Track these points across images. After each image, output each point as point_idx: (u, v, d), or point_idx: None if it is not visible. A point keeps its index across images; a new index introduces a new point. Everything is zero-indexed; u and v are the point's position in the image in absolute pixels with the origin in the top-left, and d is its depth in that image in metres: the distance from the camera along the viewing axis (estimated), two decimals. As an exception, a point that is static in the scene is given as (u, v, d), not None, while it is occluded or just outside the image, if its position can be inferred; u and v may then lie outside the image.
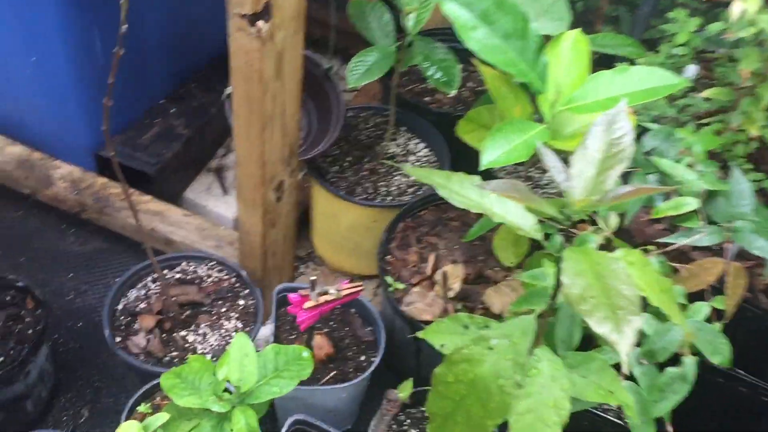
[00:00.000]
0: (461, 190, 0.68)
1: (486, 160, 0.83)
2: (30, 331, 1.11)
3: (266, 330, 1.22)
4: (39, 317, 1.12)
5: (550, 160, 0.62)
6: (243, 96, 0.97)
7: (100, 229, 1.40)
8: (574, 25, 1.40)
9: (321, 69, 1.25)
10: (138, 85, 1.37)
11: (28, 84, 1.29)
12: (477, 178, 0.69)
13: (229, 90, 1.19)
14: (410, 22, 1.15)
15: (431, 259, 1.21)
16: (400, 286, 1.17)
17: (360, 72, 1.11)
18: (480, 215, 1.24)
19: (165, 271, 1.18)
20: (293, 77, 1.02)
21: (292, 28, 0.95)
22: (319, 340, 1.12)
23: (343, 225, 1.34)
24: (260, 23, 0.88)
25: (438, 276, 1.18)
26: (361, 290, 1.03)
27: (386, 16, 1.21)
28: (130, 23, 1.30)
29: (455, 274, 1.19)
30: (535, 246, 1.04)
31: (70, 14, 1.16)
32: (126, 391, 1.22)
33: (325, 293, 1.00)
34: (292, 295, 1.02)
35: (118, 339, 1.09)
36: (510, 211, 0.65)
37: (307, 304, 1.01)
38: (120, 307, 1.13)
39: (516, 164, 1.17)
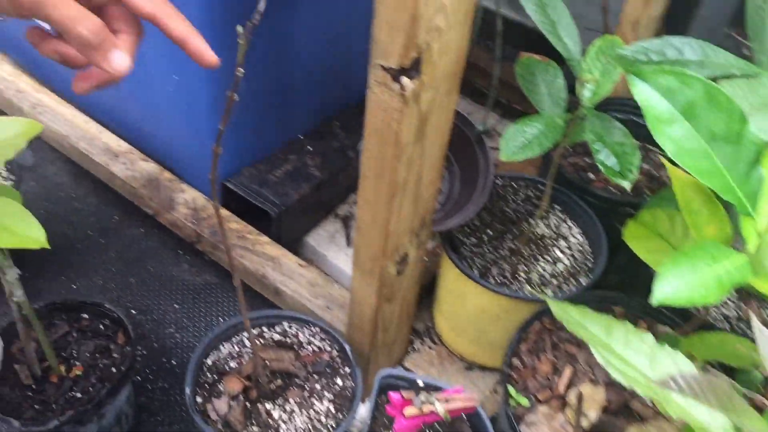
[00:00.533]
0: (625, 353, 0.49)
1: (661, 294, 0.63)
2: (114, 370, 1.03)
3: (363, 410, 1.07)
4: (126, 355, 1.04)
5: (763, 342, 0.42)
6: (374, 157, 0.83)
7: (215, 261, 1.32)
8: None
9: (474, 130, 1.09)
10: (278, 118, 1.28)
11: (168, 102, 1.23)
12: (649, 338, 0.50)
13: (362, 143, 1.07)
14: (586, 92, 0.97)
15: (567, 373, 1.01)
16: (524, 401, 0.98)
17: (517, 145, 0.95)
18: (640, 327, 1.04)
19: (263, 329, 1.06)
20: (436, 142, 0.87)
21: (444, 88, 0.80)
22: (418, 447, 0.96)
23: (470, 307, 1.17)
24: (405, 80, 0.73)
25: (572, 396, 0.98)
26: (473, 407, 0.86)
27: (559, 81, 1.03)
28: (281, 54, 1.21)
29: (594, 399, 0.98)
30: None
31: (215, 40, 1.08)
32: (203, 449, 1.11)
33: (431, 404, 0.83)
34: (393, 395, 0.86)
35: (199, 399, 0.97)
36: (697, 409, 0.45)
37: (408, 411, 0.85)
38: (209, 362, 1.02)
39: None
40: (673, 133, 0.66)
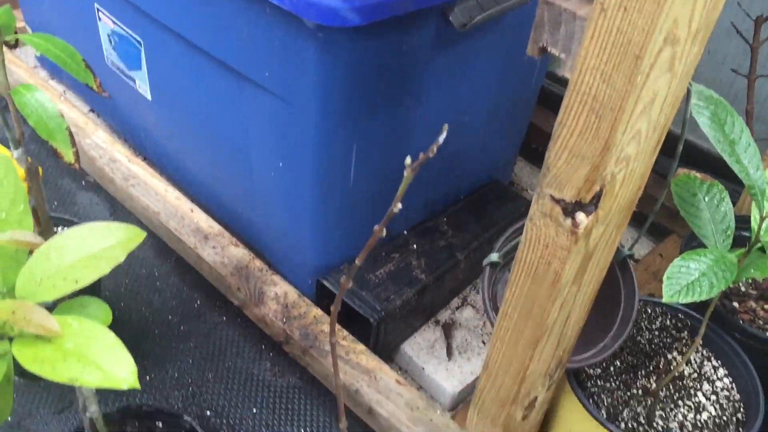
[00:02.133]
0: None
1: None
2: (185, 495, 0.90)
3: None
4: (201, 478, 0.91)
5: None
6: (523, 295, 0.70)
7: (300, 366, 1.19)
8: None
9: (619, 254, 0.94)
10: (385, 211, 1.16)
11: (267, 187, 1.13)
12: None
13: (492, 257, 0.93)
14: (765, 226, 0.82)
15: None
16: None
17: (681, 284, 0.79)
18: None
19: (358, 465, 0.92)
20: (594, 281, 0.73)
21: (615, 222, 0.66)
22: None
23: (593, 454, 1.00)
24: (581, 216, 0.60)
25: None
26: None
27: (725, 205, 0.89)
28: (390, 147, 1.11)
29: None
30: None
31: (328, 130, 0.98)
32: None
33: None
34: None
35: None
36: None
37: None
38: (294, 498, 0.88)
39: None
40: None
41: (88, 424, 0.82)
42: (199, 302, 1.31)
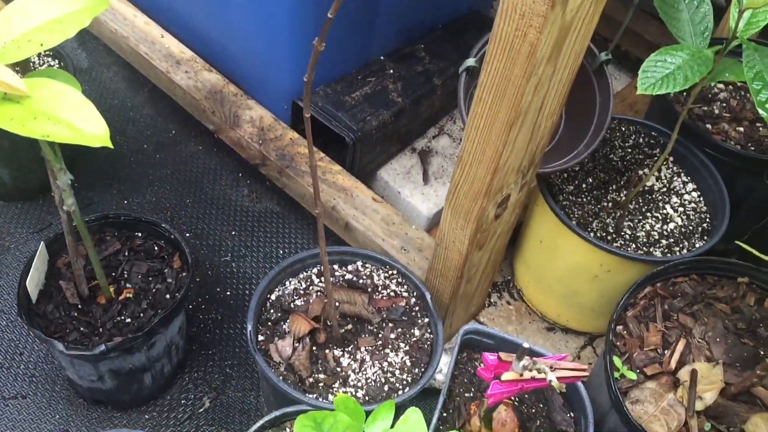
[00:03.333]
0: None
1: None
2: (167, 296, 0.92)
3: (442, 368, 0.97)
4: (182, 282, 0.93)
5: None
6: (496, 74, 0.69)
7: (278, 188, 1.20)
8: None
9: (596, 59, 0.94)
10: (360, 34, 1.14)
11: (243, 7, 1.09)
12: None
13: (469, 62, 0.92)
14: (742, 21, 0.81)
15: (679, 347, 0.88)
16: (631, 374, 0.85)
17: (657, 76, 0.79)
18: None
19: (334, 267, 0.94)
20: (570, 64, 0.72)
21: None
22: (504, 415, 0.84)
23: (563, 263, 1.03)
24: (558, -24, 0.59)
25: (684, 374, 0.86)
26: (585, 377, 0.73)
27: (705, 7, 0.88)
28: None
29: (710, 379, 0.85)
30: None
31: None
32: (257, 389, 1.02)
33: (538, 371, 0.71)
34: (488, 357, 0.74)
35: (261, 337, 0.87)
36: None
37: (507, 376, 0.73)
38: (273, 297, 0.91)
39: None
40: None
41: (65, 220, 0.82)
42: (174, 132, 1.30)
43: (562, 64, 0.71)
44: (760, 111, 0.77)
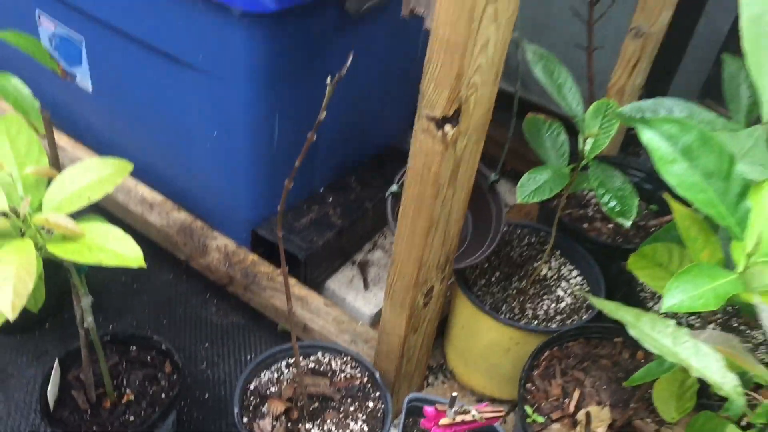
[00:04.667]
0: (653, 333, 0.62)
1: (669, 303, 0.76)
2: (163, 396, 1.11)
3: (394, 430, 1.17)
4: (174, 383, 1.13)
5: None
6: (414, 196, 0.96)
7: (241, 305, 1.42)
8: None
9: (487, 180, 1.23)
10: (303, 173, 1.41)
11: (204, 156, 1.35)
12: (671, 323, 0.63)
13: (393, 188, 1.20)
14: (588, 146, 1.12)
15: (575, 395, 1.12)
16: (539, 419, 1.08)
17: (531, 189, 1.08)
18: (638, 357, 1.16)
19: (300, 358, 1.16)
20: (465, 184, 1.00)
21: (475, 136, 0.94)
22: (446, 462, 1.05)
23: (482, 342, 1.28)
24: (447, 127, 0.87)
25: (581, 416, 1.09)
26: (501, 416, 0.96)
27: (562, 136, 1.18)
28: (305, 112, 1.35)
29: (600, 418, 1.09)
30: (702, 404, 0.94)
31: (255, 100, 1.22)
32: (238, 474, 1.19)
33: (465, 413, 0.94)
34: (428, 409, 0.96)
35: (245, 419, 1.06)
36: (710, 366, 0.57)
37: (443, 421, 0.95)
38: (252, 386, 1.11)
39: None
40: (675, 171, 0.80)
41: (83, 336, 1.02)
42: (148, 264, 1.51)
43: (460, 185, 0.99)
44: (605, 209, 1.07)
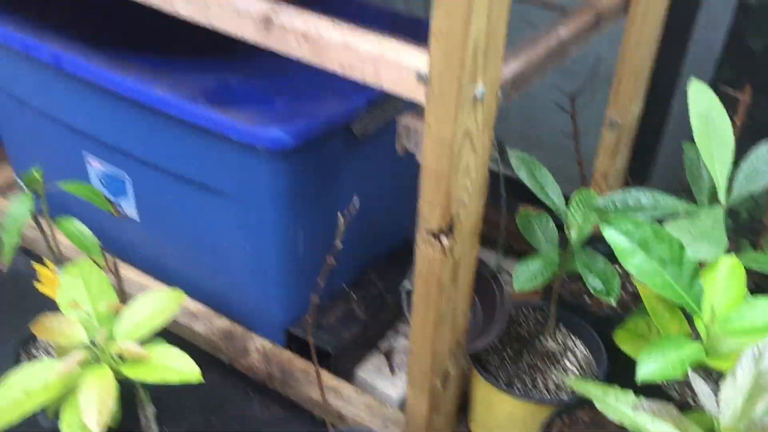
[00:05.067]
0: (617, 405, 0.76)
1: (641, 374, 0.90)
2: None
3: None
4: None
5: (700, 387, 0.70)
6: (422, 295, 1.12)
7: (280, 398, 1.56)
8: (737, 237, 1.46)
9: (489, 270, 1.39)
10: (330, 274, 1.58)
11: (240, 269, 1.53)
12: (631, 395, 0.77)
13: (407, 286, 1.36)
14: (573, 235, 1.28)
15: (587, 459, 1.25)
16: (556, 483, 1.21)
17: (526, 278, 1.24)
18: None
19: (337, 445, 1.30)
20: (465, 282, 1.16)
21: (468, 243, 1.11)
22: None
23: (500, 415, 1.41)
24: (443, 238, 1.04)
25: (593, 477, 1.22)
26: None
27: (551, 226, 1.35)
28: (327, 225, 1.54)
29: (611, 477, 1.21)
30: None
31: (280, 220, 1.41)
32: None
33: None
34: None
35: (292, 505, 1.20)
36: (662, 430, 0.72)
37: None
38: (296, 474, 1.25)
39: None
40: (634, 261, 0.96)
41: (148, 441, 1.18)
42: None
43: (461, 283, 1.15)
44: (591, 289, 1.22)
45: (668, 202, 1.18)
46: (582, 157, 1.85)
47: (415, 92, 0.95)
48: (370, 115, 1.43)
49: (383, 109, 1.47)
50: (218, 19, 1.09)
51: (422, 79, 0.92)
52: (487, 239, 1.68)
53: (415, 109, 0.99)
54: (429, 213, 1.03)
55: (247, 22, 1.06)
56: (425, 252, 1.07)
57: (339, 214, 0.91)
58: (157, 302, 1.03)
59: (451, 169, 0.97)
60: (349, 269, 1.67)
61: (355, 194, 1.54)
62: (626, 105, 1.57)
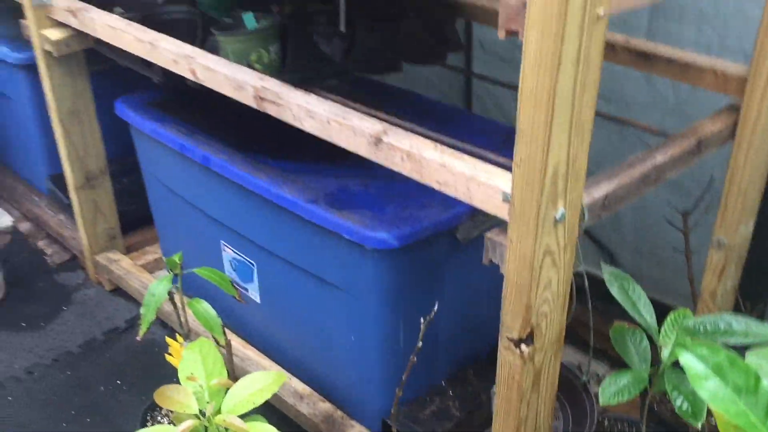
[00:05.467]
0: None
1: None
2: None
3: None
4: None
5: None
6: (504, 398, 1.18)
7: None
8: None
9: (579, 381, 1.42)
10: (426, 368, 1.66)
11: (344, 355, 1.65)
12: None
13: (494, 390, 1.42)
14: (665, 353, 1.29)
15: None
16: None
17: (612, 391, 1.26)
18: None
19: None
20: (548, 390, 1.21)
21: (551, 352, 1.16)
22: None
23: None
24: (523, 346, 1.10)
25: None
26: None
27: (645, 342, 1.36)
28: (435, 324, 1.63)
29: None
30: None
31: (384, 312, 1.52)
32: None
33: None
34: None
35: None
36: None
37: None
38: None
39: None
40: (708, 386, 0.97)
41: None
42: (297, 446, 1.78)
43: (543, 388, 1.20)
44: (677, 411, 1.22)
45: (761, 329, 1.18)
46: (693, 274, 1.84)
47: (500, 210, 1.04)
48: (473, 222, 1.53)
49: (487, 216, 1.56)
50: (336, 136, 1.25)
51: (506, 199, 1.02)
52: (578, 339, 1.70)
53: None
54: (510, 321, 1.10)
55: (360, 140, 1.21)
56: (506, 357, 1.13)
57: (421, 318, 1.01)
58: (262, 382, 1.16)
59: (531, 282, 1.04)
60: (448, 365, 1.73)
61: (454, 293, 1.63)
62: (734, 225, 1.57)
